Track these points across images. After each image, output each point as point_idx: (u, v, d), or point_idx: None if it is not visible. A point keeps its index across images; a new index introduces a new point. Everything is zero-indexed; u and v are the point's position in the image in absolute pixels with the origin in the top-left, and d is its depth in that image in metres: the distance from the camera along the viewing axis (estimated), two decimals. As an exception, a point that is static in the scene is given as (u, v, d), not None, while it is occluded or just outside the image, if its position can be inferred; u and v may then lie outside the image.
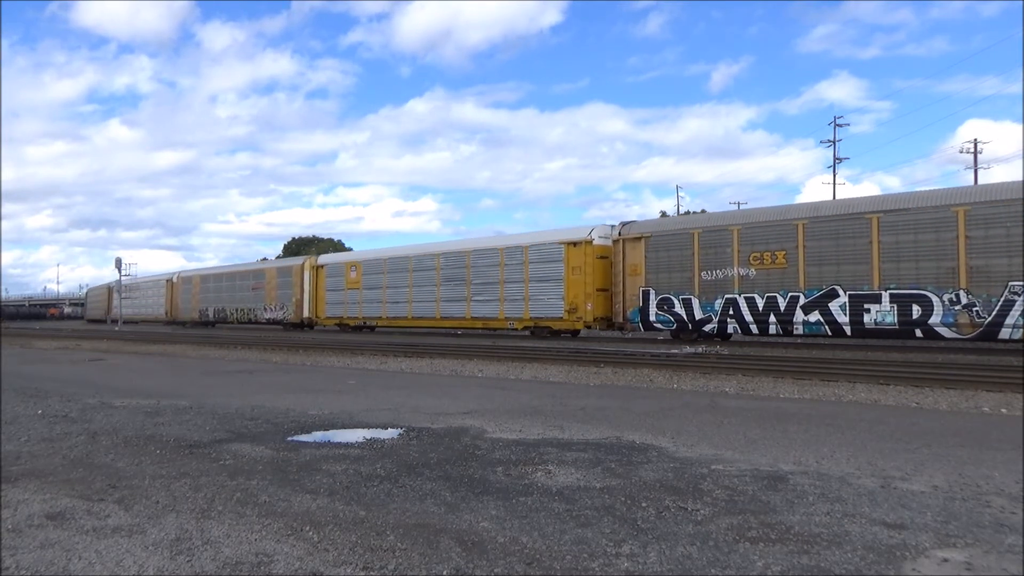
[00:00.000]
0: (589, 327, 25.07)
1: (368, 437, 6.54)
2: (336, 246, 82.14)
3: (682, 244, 22.10)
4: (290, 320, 38.86)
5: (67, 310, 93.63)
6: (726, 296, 21.02)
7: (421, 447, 6.04)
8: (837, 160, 53.18)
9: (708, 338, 21.74)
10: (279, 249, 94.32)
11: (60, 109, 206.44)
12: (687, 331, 22.09)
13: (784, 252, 19.88)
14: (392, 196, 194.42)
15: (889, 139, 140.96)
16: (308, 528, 3.82)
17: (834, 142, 52.93)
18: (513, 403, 8.92)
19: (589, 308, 24.28)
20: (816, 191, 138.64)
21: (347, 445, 6.18)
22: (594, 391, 10.35)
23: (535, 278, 26.13)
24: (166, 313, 52.26)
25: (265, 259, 68.85)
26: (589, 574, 3.17)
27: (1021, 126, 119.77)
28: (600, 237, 24.68)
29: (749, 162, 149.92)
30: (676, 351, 17.48)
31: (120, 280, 54.02)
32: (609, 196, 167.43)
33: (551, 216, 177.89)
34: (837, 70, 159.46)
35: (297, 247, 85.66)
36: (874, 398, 9.35)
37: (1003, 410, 8.32)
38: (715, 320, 21.21)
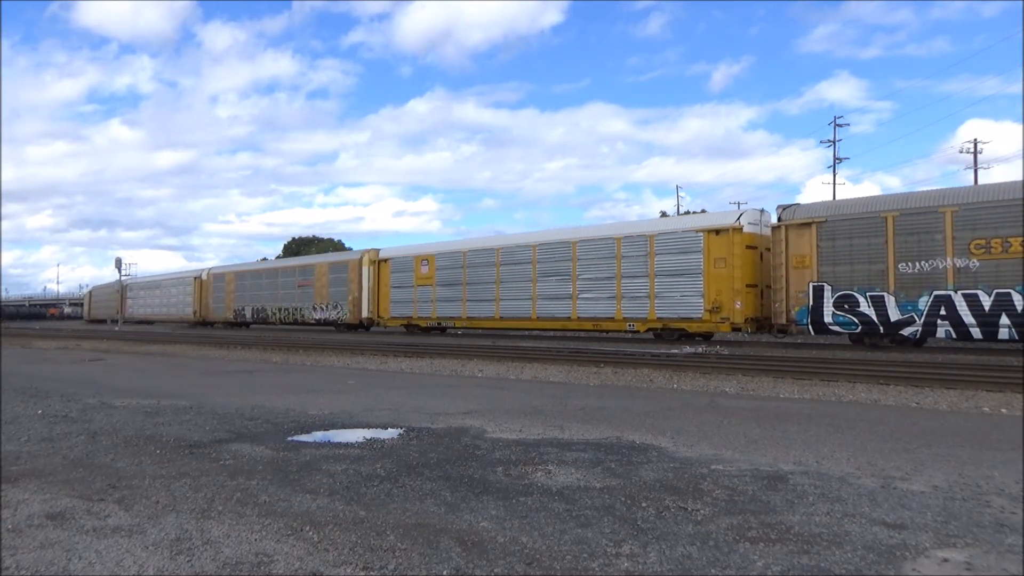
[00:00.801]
0: (738, 329, 21.21)
1: (368, 437, 6.54)
2: (336, 246, 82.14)
3: (870, 230, 18.33)
4: (346, 321, 34.83)
5: (67, 310, 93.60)
6: (935, 293, 17.20)
7: (421, 447, 6.04)
8: (837, 160, 53.20)
9: (903, 343, 18.06)
10: (279, 249, 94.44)
11: (61, 109, 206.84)
12: (877, 335, 18.19)
13: (1021, 239, 16.22)
14: (392, 196, 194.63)
15: (889, 139, 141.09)
16: (308, 528, 3.82)
17: (834, 142, 52.95)
18: (513, 403, 8.92)
19: (738, 307, 20.70)
20: (816, 191, 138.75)
21: (347, 445, 6.18)
22: (594, 391, 10.35)
23: (664, 272, 22.54)
24: (194, 313, 48.13)
25: (270, 255, 68.52)
26: (589, 574, 3.17)
27: (1021, 126, 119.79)
28: (749, 223, 21.15)
29: (750, 162, 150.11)
30: (676, 351, 17.48)
31: (120, 279, 53.62)
32: (610, 196, 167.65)
33: (551, 216, 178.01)
34: (838, 70, 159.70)
35: (297, 247, 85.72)
36: (874, 398, 9.35)
37: (1003, 410, 8.32)
38: (919, 322, 17.37)
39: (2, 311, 79.29)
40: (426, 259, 30.94)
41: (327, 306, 36.32)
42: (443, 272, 29.93)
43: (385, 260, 33.12)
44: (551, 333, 27.24)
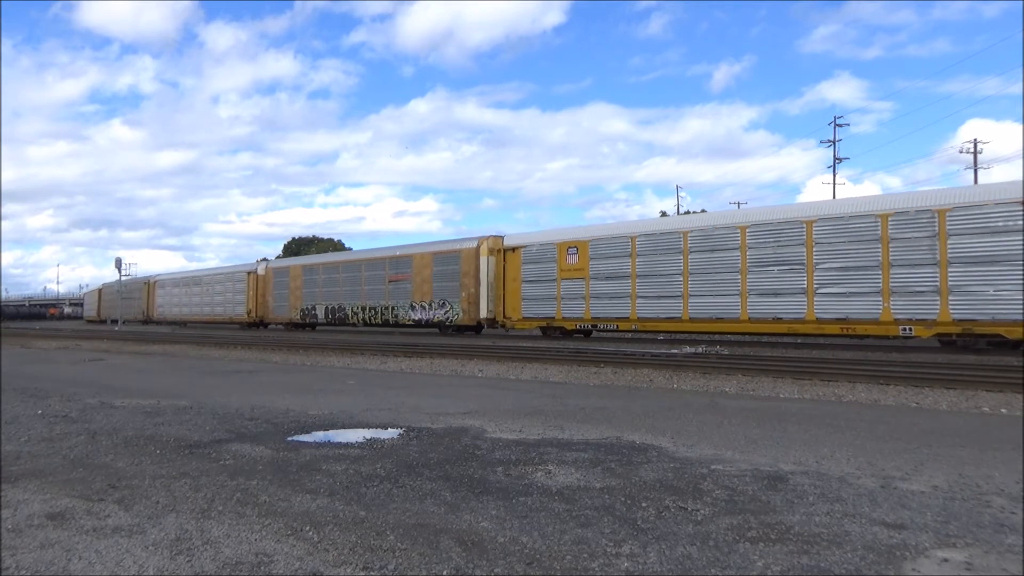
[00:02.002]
0: None
1: (368, 437, 6.54)
2: (336, 246, 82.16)
3: None
4: (458, 322, 29.29)
5: (67, 310, 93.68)
6: None
7: (421, 447, 6.04)
8: (837, 160, 53.12)
9: None
10: (279, 249, 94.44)
11: (62, 109, 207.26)
12: None
13: None
14: (393, 196, 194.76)
15: (890, 139, 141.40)
16: (308, 528, 3.82)
17: (834, 142, 52.90)
18: (513, 403, 8.92)
19: None
20: (817, 191, 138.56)
21: (347, 445, 6.18)
22: (594, 391, 10.35)
23: (964, 259, 17.11)
24: (248, 313, 42.39)
25: (271, 255, 68.02)
26: (589, 574, 3.17)
27: (1021, 126, 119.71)
28: None
29: (750, 162, 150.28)
30: (676, 351, 17.47)
31: (120, 280, 53.02)
32: (610, 196, 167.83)
33: (552, 216, 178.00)
34: (839, 70, 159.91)
35: (297, 247, 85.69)
36: (874, 398, 9.35)
37: (1003, 410, 8.32)
38: None
39: (2, 311, 79.28)
40: (574, 246, 25.24)
41: (431, 304, 30.60)
42: (600, 262, 24.43)
43: (513, 248, 27.29)
44: (768, 338, 22.23)
